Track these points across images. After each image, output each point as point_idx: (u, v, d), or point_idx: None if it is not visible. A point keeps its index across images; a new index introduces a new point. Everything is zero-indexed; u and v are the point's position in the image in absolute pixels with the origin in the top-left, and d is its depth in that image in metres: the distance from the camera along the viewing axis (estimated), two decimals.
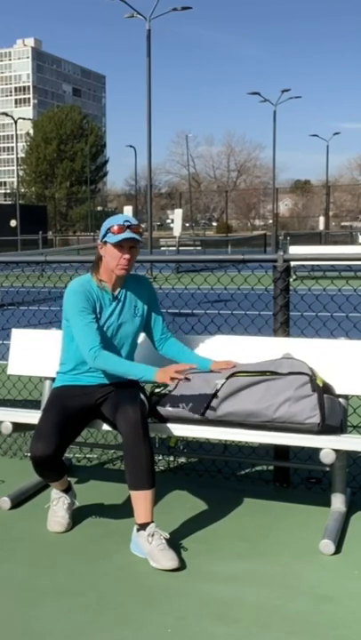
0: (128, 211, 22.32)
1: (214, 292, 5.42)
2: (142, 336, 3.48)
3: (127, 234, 3.15)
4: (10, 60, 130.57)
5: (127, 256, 3.18)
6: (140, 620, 2.53)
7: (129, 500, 3.07)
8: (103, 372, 3.26)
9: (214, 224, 70.89)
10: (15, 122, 49.08)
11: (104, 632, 2.46)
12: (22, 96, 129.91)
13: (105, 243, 3.20)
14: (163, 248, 36.14)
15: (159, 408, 3.31)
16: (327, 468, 3.21)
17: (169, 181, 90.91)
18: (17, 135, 52.16)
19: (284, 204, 78.54)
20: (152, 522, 2.98)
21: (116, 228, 3.16)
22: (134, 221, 3.24)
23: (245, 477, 3.94)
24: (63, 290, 3.31)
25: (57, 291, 3.41)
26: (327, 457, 2.96)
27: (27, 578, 2.86)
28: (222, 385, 3.22)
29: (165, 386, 3.40)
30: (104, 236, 3.20)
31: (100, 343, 3.15)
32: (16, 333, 4.04)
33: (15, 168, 56.89)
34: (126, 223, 3.17)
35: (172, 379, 3.06)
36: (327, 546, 3.01)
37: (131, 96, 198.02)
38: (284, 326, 3.73)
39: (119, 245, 3.16)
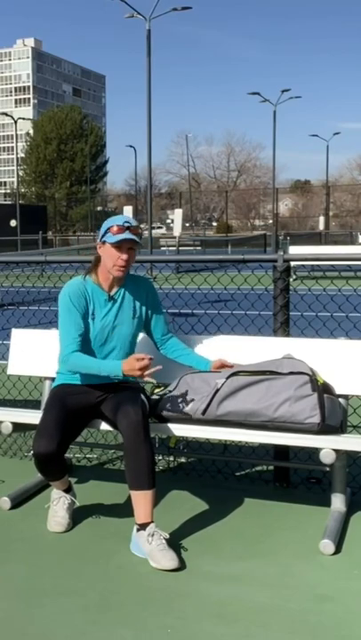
0: (128, 211, 22.32)
1: (214, 292, 5.42)
2: (142, 336, 3.48)
3: (126, 234, 3.15)
4: (10, 60, 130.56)
5: (125, 257, 3.17)
6: (140, 619, 2.53)
7: (129, 499, 3.07)
8: None
9: (214, 224, 70.85)
10: (15, 122, 49.09)
11: (104, 632, 2.46)
12: (22, 96, 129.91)
13: (104, 243, 3.20)
14: (163, 248, 36.13)
15: (159, 408, 3.31)
16: (327, 468, 3.21)
17: (169, 181, 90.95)
18: (17, 135, 52.19)
19: (284, 204, 78.54)
20: (152, 522, 2.98)
21: (115, 228, 3.16)
22: (134, 222, 3.24)
23: (245, 477, 3.94)
24: None
25: (57, 291, 3.40)
26: (327, 457, 2.96)
27: (27, 578, 2.86)
28: (222, 384, 3.22)
29: (165, 386, 3.40)
30: (103, 235, 3.21)
31: (77, 347, 3.16)
32: (16, 333, 4.04)
33: (15, 168, 56.88)
34: (126, 224, 3.17)
35: (140, 370, 3.02)
36: (327, 546, 3.01)
37: (131, 96, 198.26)
38: (284, 326, 3.73)
39: (117, 246, 3.16)
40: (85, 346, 3.23)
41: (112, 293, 3.28)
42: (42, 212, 55.16)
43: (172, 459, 4.16)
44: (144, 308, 3.35)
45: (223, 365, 3.36)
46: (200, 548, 3.06)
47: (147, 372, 3.04)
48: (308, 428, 3.08)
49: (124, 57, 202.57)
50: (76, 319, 3.20)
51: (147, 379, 3.08)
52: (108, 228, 3.19)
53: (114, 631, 2.46)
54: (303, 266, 14.03)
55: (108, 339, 3.26)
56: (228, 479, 3.91)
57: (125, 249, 3.18)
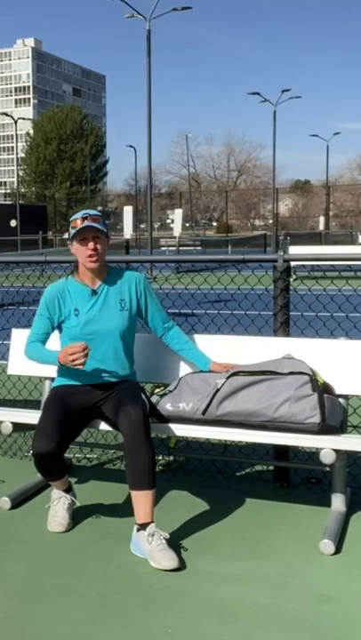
0: (128, 211, 22.25)
1: (214, 292, 5.42)
2: (143, 336, 3.48)
3: (85, 223, 3.18)
4: (10, 60, 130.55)
5: (91, 245, 3.20)
6: (140, 619, 2.53)
7: (129, 499, 3.07)
8: (101, 372, 3.27)
9: (214, 224, 70.86)
10: (15, 122, 49.08)
11: (104, 632, 2.46)
12: (22, 96, 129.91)
13: (72, 241, 3.24)
14: (163, 248, 36.13)
15: (159, 408, 3.31)
16: (327, 468, 3.21)
17: (169, 181, 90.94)
18: (17, 135, 52.19)
19: (284, 204, 78.49)
20: (152, 522, 2.98)
21: (77, 222, 3.21)
22: (93, 212, 3.26)
23: (245, 477, 3.94)
24: None
25: None
26: (327, 457, 2.96)
27: (27, 578, 2.86)
28: (223, 384, 3.22)
29: (166, 386, 3.40)
30: (70, 234, 3.24)
31: (35, 340, 3.33)
32: (16, 333, 4.04)
33: (15, 168, 56.88)
34: (84, 214, 3.22)
35: (72, 360, 3.04)
36: (327, 546, 3.01)
37: (131, 96, 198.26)
38: (284, 326, 3.73)
39: (82, 238, 3.19)
40: (73, 341, 3.25)
41: (95, 287, 3.29)
42: (42, 212, 55.17)
43: (172, 459, 4.16)
44: (134, 300, 3.33)
45: (222, 368, 3.35)
46: (200, 548, 3.06)
47: (77, 362, 3.04)
48: (308, 428, 3.08)
49: (124, 57, 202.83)
50: (43, 321, 3.34)
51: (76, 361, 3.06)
52: (71, 224, 3.24)
53: (114, 631, 2.46)
54: (303, 266, 14.03)
55: (95, 333, 3.25)
56: (228, 479, 3.91)
57: (91, 238, 3.20)
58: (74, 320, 3.26)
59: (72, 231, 3.22)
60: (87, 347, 3.06)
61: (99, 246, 3.21)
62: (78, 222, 3.20)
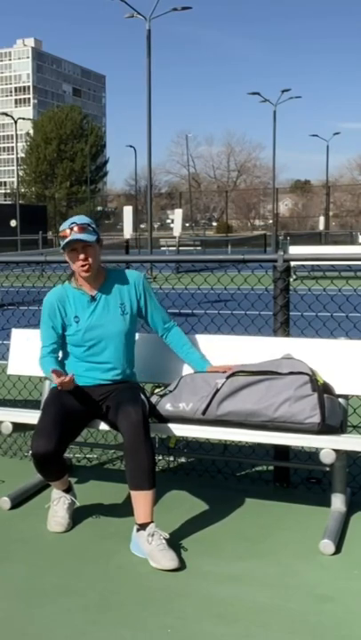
0: (128, 211, 22.24)
1: (214, 292, 5.42)
2: (143, 336, 3.48)
3: (72, 236, 3.15)
4: (10, 60, 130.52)
5: (82, 256, 3.18)
6: (140, 619, 2.53)
7: (129, 499, 3.07)
8: (103, 374, 3.27)
9: (214, 224, 70.84)
10: (15, 122, 49.05)
11: (104, 632, 2.46)
12: (22, 96, 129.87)
13: (64, 250, 3.23)
14: (163, 248, 36.13)
15: (159, 408, 3.31)
16: (327, 468, 3.21)
17: (169, 181, 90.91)
18: (17, 135, 52.16)
19: (284, 204, 78.47)
20: (152, 522, 2.98)
21: (66, 232, 3.18)
22: (80, 220, 3.22)
23: (245, 477, 3.94)
24: None
25: None
26: (327, 457, 2.96)
27: (27, 578, 2.86)
28: (223, 384, 3.22)
29: (166, 386, 3.40)
30: (60, 244, 3.23)
31: (47, 354, 3.29)
32: (16, 333, 4.04)
33: (15, 168, 56.87)
34: (71, 224, 3.18)
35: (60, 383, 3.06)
36: (327, 546, 3.01)
37: (131, 96, 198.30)
38: (284, 326, 3.73)
39: (72, 249, 3.18)
40: (75, 349, 3.26)
41: (93, 294, 3.28)
42: (42, 212, 55.14)
43: (172, 459, 4.16)
44: (134, 302, 3.33)
45: (220, 370, 3.34)
46: (200, 548, 3.06)
47: (62, 387, 3.08)
48: (308, 428, 3.08)
49: (124, 57, 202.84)
50: (48, 331, 3.32)
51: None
52: (60, 235, 3.20)
53: (114, 631, 2.46)
54: (303, 266, 14.02)
55: (97, 338, 3.25)
56: (228, 479, 3.91)
57: (80, 249, 3.18)
58: (74, 327, 3.26)
59: (61, 242, 3.20)
60: (72, 377, 3.09)
61: (90, 256, 3.18)
62: (67, 232, 3.17)
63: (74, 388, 3.28)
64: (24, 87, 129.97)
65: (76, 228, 3.16)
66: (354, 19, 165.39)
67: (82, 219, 3.25)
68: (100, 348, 3.26)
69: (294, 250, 17.57)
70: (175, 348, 3.45)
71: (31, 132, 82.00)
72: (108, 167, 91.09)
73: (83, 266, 3.19)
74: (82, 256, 3.18)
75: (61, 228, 3.21)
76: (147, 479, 2.98)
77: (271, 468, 3.91)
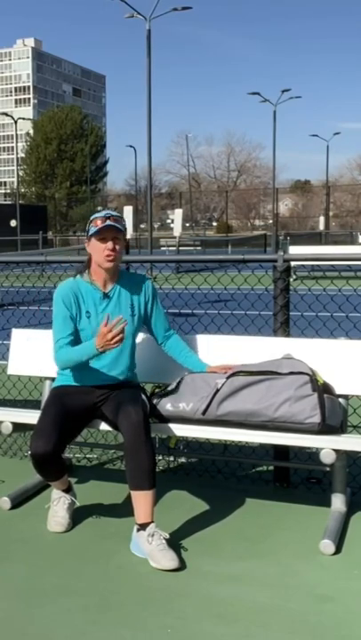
0: (128, 211, 22.28)
1: (214, 292, 5.42)
2: (143, 338, 3.48)
3: (107, 222, 3.18)
4: (10, 59, 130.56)
5: (110, 245, 3.19)
6: (140, 619, 2.53)
7: (129, 499, 3.07)
8: (106, 374, 3.27)
9: (214, 224, 70.87)
10: (15, 122, 49.07)
11: (104, 632, 2.46)
12: (22, 96, 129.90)
13: (90, 239, 3.23)
14: (163, 248, 36.13)
15: (160, 408, 3.31)
16: (327, 468, 3.21)
17: (169, 181, 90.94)
18: (17, 135, 52.15)
19: (285, 204, 78.49)
20: (152, 522, 2.98)
21: (98, 221, 3.20)
22: (115, 213, 3.28)
23: (245, 477, 3.94)
24: None
25: None
26: (327, 457, 2.96)
27: (27, 578, 2.86)
28: (223, 384, 3.22)
29: (166, 386, 3.40)
30: (88, 232, 3.23)
31: (65, 346, 3.19)
32: (16, 333, 4.04)
33: (15, 168, 56.87)
34: (107, 214, 3.22)
35: (113, 339, 2.99)
36: (327, 546, 3.01)
37: (131, 96, 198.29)
38: (284, 326, 3.73)
39: (102, 237, 3.19)
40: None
41: (107, 291, 3.28)
42: (42, 212, 55.14)
43: (172, 459, 4.16)
44: (142, 305, 3.35)
45: (219, 370, 3.34)
46: (200, 548, 3.06)
47: (117, 339, 2.99)
48: (308, 428, 3.08)
49: (124, 57, 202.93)
50: (65, 321, 3.23)
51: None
52: (91, 223, 3.23)
53: (114, 631, 2.46)
54: (303, 266, 14.03)
55: None
56: (228, 479, 3.91)
57: (110, 238, 3.20)
58: (85, 321, 3.25)
59: (92, 229, 3.20)
60: (122, 319, 3.00)
61: (117, 247, 3.21)
62: (99, 222, 3.19)
63: (74, 388, 3.28)
64: (24, 87, 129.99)
65: (111, 218, 3.20)
66: (354, 19, 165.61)
67: (116, 213, 3.30)
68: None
69: (294, 250, 17.59)
70: (174, 354, 3.44)
71: (31, 131, 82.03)
72: (108, 167, 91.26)
73: (108, 255, 3.19)
74: (110, 244, 3.19)
75: (93, 217, 3.23)
76: (147, 479, 2.98)
77: (271, 468, 3.91)
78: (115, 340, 3.00)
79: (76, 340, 3.23)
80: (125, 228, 3.28)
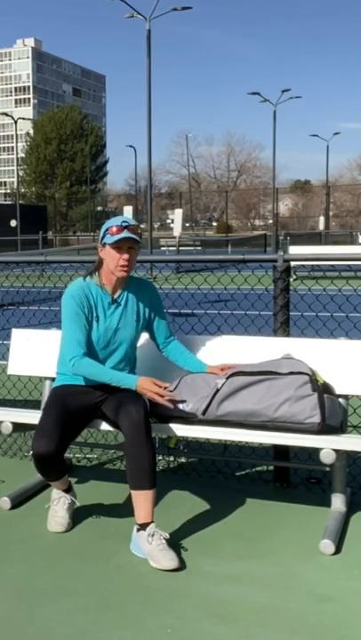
0: (128, 211, 22.31)
1: (214, 292, 5.42)
2: (144, 338, 3.48)
3: (125, 233, 3.15)
4: (10, 60, 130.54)
5: (126, 256, 3.18)
6: (140, 620, 2.53)
7: (129, 499, 3.07)
8: None
9: (214, 224, 70.89)
10: (15, 122, 49.09)
11: (104, 632, 2.46)
12: (22, 96, 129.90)
13: (104, 245, 3.21)
14: (163, 248, 36.13)
15: (160, 408, 3.30)
16: (327, 468, 3.21)
17: (169, 181, 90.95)
18: (17, 135, 52.18)
19: (284, 204, 78.49)
20: (152, 522, 2.98)
21: (114, 229, 3.17)
22: (133, 222, 3.24)
23: (245, 477, 3.94)
24: (63, 290, 3.32)
25: (57, 291, 3.42)
26: (327, 457, 2.96)
27: (27, 578, 2.86)
28: (223, 385, 3.22)
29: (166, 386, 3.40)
30: (103, 238, 3.22)
31: (84, 350, 3.17)
32: (16, 333, 4.04)
33: (15, 168, 56.87)
34: (124, 224, 3.18)
35: (155, 394, 3.10)
36: (327, 546, 3.01)
37: (131, 96, 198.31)
38: (284, 326, 3.73)
39: (117, 246, 3.17)
40: (88, 348, 3.24)
41: (116, 296, 3.28)
42: (42, 212, 55.17)
43: (172, 459, 4.16)
44: (147, 312, 3.36)
45: (218, 370, 3.34)
46: (200, 548, 3.06)
47: (159, 400, 3.11)
48: (308, 428, 3.08)
49: (124, 57, 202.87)
50: (80, 321, 3.20)
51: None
52: (107, 230, 3.20)
53: (114, 631, 2.46)
54: (303, 266, 14.03)
55: (110, 341, 3.26)
56: (228, 479, 3.91)
57: (126, 248, 3.18)
58: (94, 325, 3.24)
59: (108, 237, 3.17)
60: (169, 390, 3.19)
61: (132, 257, 3.20)
62: (114, 229, 3.16)
63: (74, 388, 3.28)
64: (24, 87, 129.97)
65: (129, 229, 3.17)
66: (354, 19, 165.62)
67: (132, 220, 3.27)
68: (110, 351, 3.27)
69: (294, 250, 17.59)
70: (174, 358, 3.44)
71: (31, 132, 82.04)
72: (108, 167, 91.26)
73: (123, 266, 3.18)
74: (126, 256, 3.17)
75: (110, 225, 3.20)
76: (147, 479, 2.98)
77: (271, 468, 3.91)
78: (152, 393, 3.10)
79: (96, 339, 3.24)
80: (141, 237, 3.28)
